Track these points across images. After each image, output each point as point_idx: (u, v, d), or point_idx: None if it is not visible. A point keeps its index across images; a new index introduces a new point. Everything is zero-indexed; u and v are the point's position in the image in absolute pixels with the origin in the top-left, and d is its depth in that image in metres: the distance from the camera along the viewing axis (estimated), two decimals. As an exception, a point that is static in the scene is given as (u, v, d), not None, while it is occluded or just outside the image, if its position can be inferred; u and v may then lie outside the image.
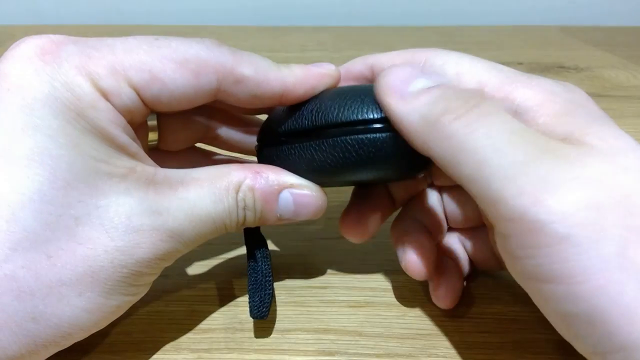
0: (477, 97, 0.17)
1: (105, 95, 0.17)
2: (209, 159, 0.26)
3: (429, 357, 0.21)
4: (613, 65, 0.56)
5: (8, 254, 0.15)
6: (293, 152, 0.20)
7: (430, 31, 0.69)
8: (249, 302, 0.21)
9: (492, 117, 0.16)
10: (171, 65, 0.18)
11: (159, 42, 0.18)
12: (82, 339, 0.18)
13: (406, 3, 0.77)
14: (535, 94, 0.19)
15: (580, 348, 0.16)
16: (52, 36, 0.18)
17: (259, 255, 0.22)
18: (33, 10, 0.76)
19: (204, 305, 0.23)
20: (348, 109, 0.19)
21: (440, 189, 0.25)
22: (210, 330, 0.22)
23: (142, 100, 0.18)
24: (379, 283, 0.25)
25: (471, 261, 0.25)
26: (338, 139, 0.19)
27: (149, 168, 0.18)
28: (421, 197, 0.25)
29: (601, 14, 0.78)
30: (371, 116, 0.19)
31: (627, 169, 0.15)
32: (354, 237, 0.23)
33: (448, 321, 0.22)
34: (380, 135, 0.19)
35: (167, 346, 0.21)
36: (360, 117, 0.19)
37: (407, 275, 0.25)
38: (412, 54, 0.21)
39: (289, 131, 0.20)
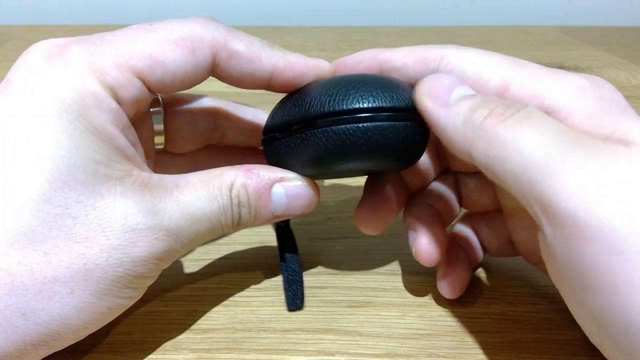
0: (519, 104, 0.17)
1: (112, 89, 0.18)
2: (214, 160, 0.26)
3: (429, 357, 0.21)
4: (613, 65, 0.56)
5: (5, 249, 0.16)
6: (281, 146, 0.21)
7: (430, 31, 0.69)
8: (285, 297, 0.23)
9: (537, 119, 0.16)
10: (169, 46, 0.18)
11: (154, 27, 0.19)
12: (72, 342, 0.18)
13: (406, 3, 0.77)
14: (563, 90, 0.18)
15: (609, 354, 0.15)
16: (56, 40, 0.18)
17: (288, 253, 0.24)
18: (33, 9, 0.76)
19: (204, 305, 0.23)
20: (324, 102, 0.19)
21: (457, 174, 0.25)
22: (210, 330, 0.22)
23: (147, 87, 0.19)
24: (378, 283, 0.25)
25: (484, 248, 0.25)
26: (316, 130, 0.19)
27: (144, 173, 0.19)
28: (435, 182, 0.25)
29: (601, 14, 0.78)
30: (342, 107, 0.18)
31: None
32: (370, 230, 0.23)
33: (448, 321, 0.22)
34: (354, 125, 0.18)
35: (167, 346, 0.21)
36: (333, 109, 0.19)
37: (407, 275, 0.25)
38: (426, 50, 0.21)
39: (278, 126, 0.21)
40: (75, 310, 0.17)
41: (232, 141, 0.26)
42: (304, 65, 0.21)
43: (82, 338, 0.18)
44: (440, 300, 0.24)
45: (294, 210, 0.21)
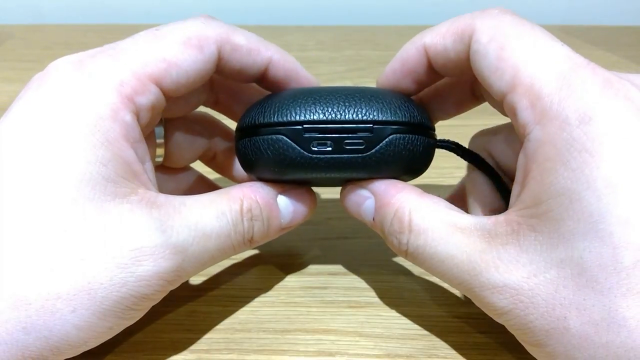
0: (405, 230, 0.19)
1: (131, 99, 0.18)
2: (204, 182, 0.27)
3: (429, 357, 0.21)
4: (614, 65, 0.56)
5: (11, 263, 0.16)
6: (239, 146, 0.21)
7: (431, 31, 0.69)
8: None
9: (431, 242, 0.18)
10: (179, 47, 0.19)
11: (161, 31, 0.20)
12: (71, 356, 0.17)
13: (406, 3, 0.77)
14: (548, 123, 0.16)
15: None
16: (72, 57, 0.19)
17: None
18: (32, 8, 0.76)
19: (204, 305, 0.23)
20: (262, 112, 0.20)
21: None
22: (210, 330, 0.22)
23: (163, 93, 0.19)
24: (378, 283, 0.25)
25: None
26: (257, 138, 0.20)
27: (150, 192, 0.18)
28: None
29: (602, 14, 0.78)
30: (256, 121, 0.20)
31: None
32: None
33: (448, 322, 0.22)
34: (268, 137, 0.19)
35: (167, 347, 0.21)
36: (254, 122, 0.20)
37: (407, 276, 0.25)
38: (460, 23, 0.19)
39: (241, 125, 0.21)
40: (75, 328, 0.16)
41: (218, 166, 0.27)
42: (296, 71, 0.22)
43: (81, 352, 0.18)
44: (440, 300, 0.24)
45: (298, 216, 0.22)
